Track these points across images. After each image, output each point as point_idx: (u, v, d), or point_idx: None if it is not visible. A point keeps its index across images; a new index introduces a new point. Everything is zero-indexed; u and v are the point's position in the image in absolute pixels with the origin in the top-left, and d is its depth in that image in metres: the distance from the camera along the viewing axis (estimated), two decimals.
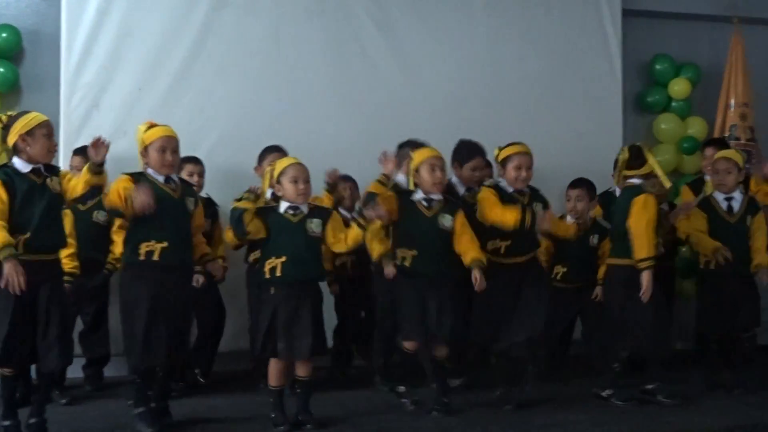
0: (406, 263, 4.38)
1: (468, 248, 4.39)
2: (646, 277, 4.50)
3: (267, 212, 4.19)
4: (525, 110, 6.27)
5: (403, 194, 4.51)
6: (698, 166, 6.72)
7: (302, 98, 5.90)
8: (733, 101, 6.67)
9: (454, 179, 5.10)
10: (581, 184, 5.26)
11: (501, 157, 4.68)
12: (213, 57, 5.74)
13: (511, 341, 4.49)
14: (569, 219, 5.20)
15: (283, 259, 4.08)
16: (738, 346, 5.04)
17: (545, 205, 4.72)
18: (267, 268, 4.10)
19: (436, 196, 4.48)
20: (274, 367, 4.19)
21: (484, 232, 4.55)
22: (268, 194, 4.45)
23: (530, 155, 4.69)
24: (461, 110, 6.17)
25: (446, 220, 4.44)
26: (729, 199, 5.05)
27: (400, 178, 4.67)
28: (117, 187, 3.97)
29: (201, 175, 5.08)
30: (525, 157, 4.65)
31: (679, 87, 6.77)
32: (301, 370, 4.22)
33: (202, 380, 5.10)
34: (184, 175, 4.83)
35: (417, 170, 4.48)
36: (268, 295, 4.12)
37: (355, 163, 5.64)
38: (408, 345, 4.40)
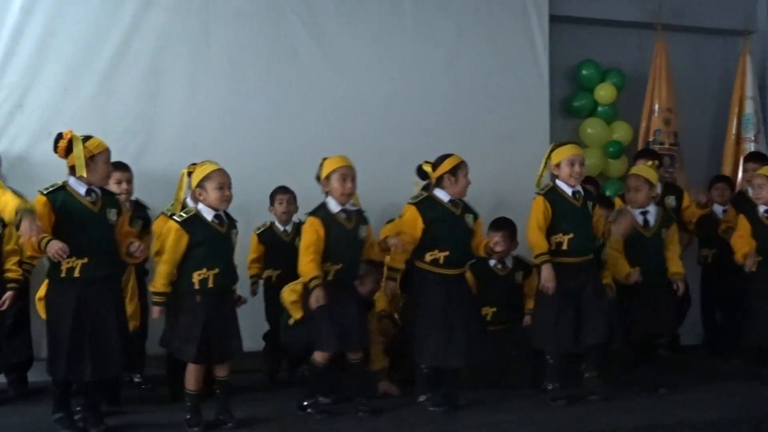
0: (330, 277, 4.66)
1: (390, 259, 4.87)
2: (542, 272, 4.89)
3: (194, 225, 4.35)
4: (454, 113, 6.54)
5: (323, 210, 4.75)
6: (622, 170, 7.14)
7: (232, 100, 6.09)
8: (657, 106, 7.08)
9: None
10: (504, 226, 5.50)
11: (440, 172, 4.93)
12: (140, 57, 5.87)
13: (444, 359, 4.77)
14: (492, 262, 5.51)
15: (216, 270, 4.33)
16: (656, 350, 5.38)
17: (475, 217, 5.02)
18: (197, 279, 4.30)
19: (351, 207, 4.75)
20: (193, 371, 4.39)
21: (423, 244, 4.84)
22: (188, 201, 4.59)
23: (465, 164, 5.00)
24: (391, 113, 6.44)
25: (363, 231, 4.78)
26: (644, 213, 5.33)
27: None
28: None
29: (129, 181, 5.21)
30: (465, 168, 4.96)
31: (604, 92, 7.07)
32: (221, 372, 4.48)
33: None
34: (112, 182, 4.92)
35: (328, 179, 4.71)
36: (193, 302, 4.32)
37: (286, 168, 5.92)
38: (320, 357, 4.64)
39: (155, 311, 4.40)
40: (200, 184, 4.38)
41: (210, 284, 4.30)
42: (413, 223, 4.83)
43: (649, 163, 5.72)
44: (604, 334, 4.94)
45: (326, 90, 6.30)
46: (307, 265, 4.57)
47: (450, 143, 6.11)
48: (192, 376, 4.39)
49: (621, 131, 7.18)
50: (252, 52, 6.16)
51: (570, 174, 4.96)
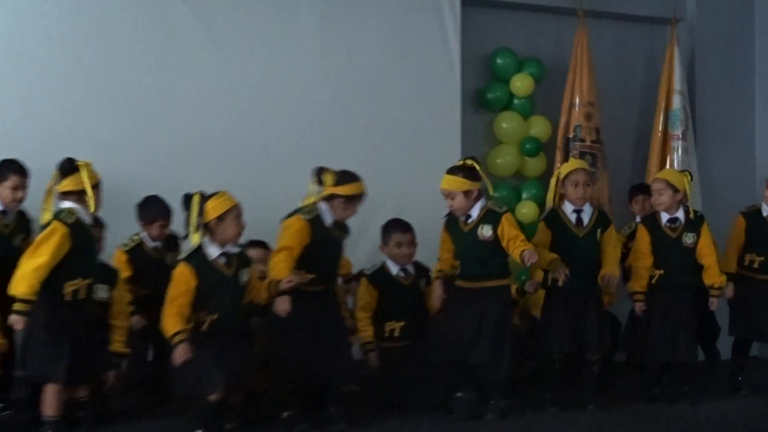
0: (204, 328, 5.15)
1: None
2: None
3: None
4: (355, 108, 6.88)
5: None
6: (540, 169, 7.66)
7: (104, 86, 6.34)
8: (578, 100, 7.52)
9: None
10: (409, 228, 6.01)
11: (340, 191, 5.39)
12: (1, 36, 6.13)
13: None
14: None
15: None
16: (586, 368, 5.83)
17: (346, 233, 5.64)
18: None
19: (233, 249, 5.16)
20: (53, 392, 4.88)
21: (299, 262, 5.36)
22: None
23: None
24: (285, 107, 6.72)
25: (245, 275, 5.20)
26: (578, 212, 5.78)
27: None
28: None
29: (25, 188, 5.40)
30: (363, 200, 5.49)
31: (521, 83, 7.45)
32: (83, 392, 5.10)
33: None
34: (7, 187, 5.28)
35: (221, 219, 5.06)
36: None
37: (162, 164, 6.29)
38: (213, 397, 4.97)
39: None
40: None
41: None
42: (300, 238, 5.21)
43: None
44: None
45: (209, 80, 6.59)
46: (170, 319, 4.89)
47: (349, 139, 6.87)
48: (52, 400, 4.92)
49: (539, 126, 7.59)
50: (127, 33, 6.40)
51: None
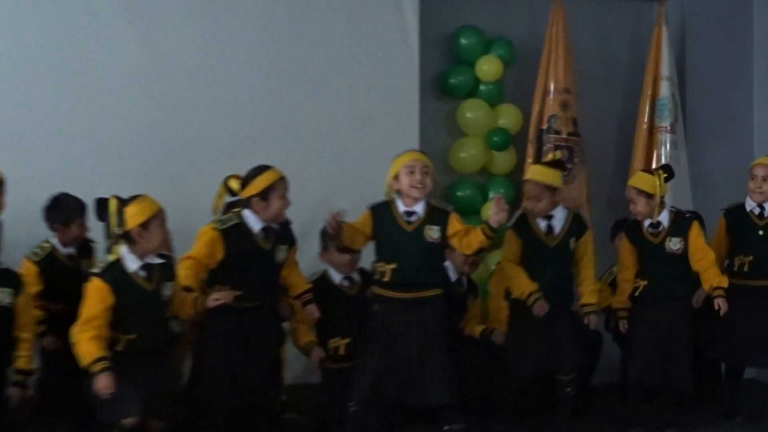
0: (120, 347, 5.08)
1: None
2: None
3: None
4: (298, 95, 6.84)
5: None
6: (510, 165, 7.59)
7: (11, 72, 6.31)
8: (552, 86, 7.44)
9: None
10: None
11: (249, 192, 5.42)
12: None
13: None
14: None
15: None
16: (559, 390, 5.85)
17: (290, 245, 5.63)
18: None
19: (155, 260, 5.09)
20: None
21: (217, 279, 5.42)
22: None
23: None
24: (218, 94, 6.70)
25: (168, 289, 5.13)
26: (549, 218, 5.82)
27: None
28: None
29: None
30: (282, 188, 5.45)
31: (488, 67, 7.39)
32: None
33: None
34: None
35: (146, 227, 5.01)
36: None
37: (77, 161, 6.24)
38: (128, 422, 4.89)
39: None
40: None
41: None
42: (208, 250, 5.25)
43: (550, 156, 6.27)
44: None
45: (130, 59, 6.55)
46: (87, 344, 4.78)
47: (290, 130, 6.85)
48: None
49: (508, 116, 7.53)
50: (37, 13, 6.35)
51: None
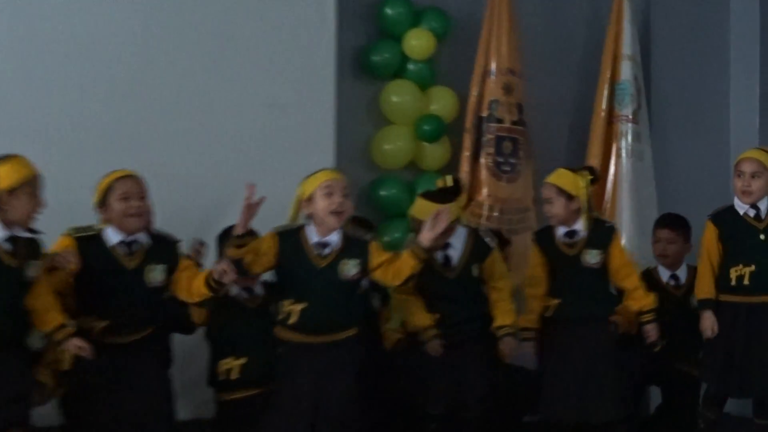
0: None
1: None
2: None
3: None
4: (192, 75, 6.64)
5: None
6: (443, 159, 7.50)
7: None
8: (494, 66, 7.43)
9: None
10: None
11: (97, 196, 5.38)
12: None
13: None
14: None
15: None
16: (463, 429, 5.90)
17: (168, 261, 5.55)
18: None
19: (23, 233, 5.03)
20: None
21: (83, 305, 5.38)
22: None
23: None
24: (90, 73, 6.50)
25: (32, 270, 5.06)
26: (446, 247, 5.82)
27: None
28: None
29: None
30: (126, 187, 5.39)
31: (418, 42, 7.33)
32: None
33: None
34: None
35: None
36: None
37: None
38: None
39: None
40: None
41: None
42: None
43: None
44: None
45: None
46: None
47: (185, 115, 6.70)
48: None
49: (441, 101, 7.47)
50: None
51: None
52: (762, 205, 6.12)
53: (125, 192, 5.24)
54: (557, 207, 6.01)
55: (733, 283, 6.10)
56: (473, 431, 5.93)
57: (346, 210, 5.38)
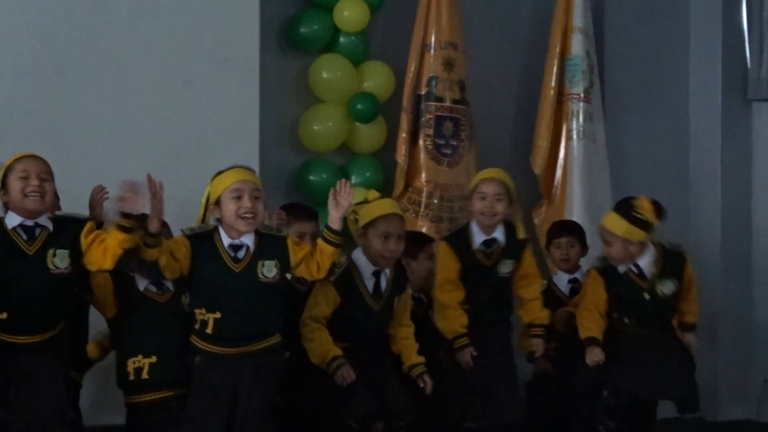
0: None
1: None
2: None
3: None
4: (96, 48, 6.62)
5: None
6: (378, 140, 7.47)
7: None
8: (433, 40, 7.42)
9: None
10: None
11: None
12: None
13: None
14: None
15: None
16: None
17: None
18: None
19: None
20: None
21: None
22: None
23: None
24: (7, 57, 6.47)
25: None
26: (377, 274, 5.82)
27: None
28: None
29: None
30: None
31: (350, 13, 7.27)
32: None
33: None
34: None
35: None
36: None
37: None
38: None
39: None
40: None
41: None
42: None
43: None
44: None
45: None
46: None
47: (90, 93, 6.66)
48: None
49: (376, 77, 7.46)
50: None
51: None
52: (642, 263, 6.31)
53: (24, 170, 5.12)
54: (500, 206, 6.14)
55: (619, 323, 6.43)
56: None
57: (257, 214, 5.33)
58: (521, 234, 6.24)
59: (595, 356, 6.20)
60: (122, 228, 5.05)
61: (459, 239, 6.27)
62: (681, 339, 6.46)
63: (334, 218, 5.29)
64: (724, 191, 8.33)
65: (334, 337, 5.72)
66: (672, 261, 6.32)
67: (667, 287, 6.27)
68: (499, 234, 6.19)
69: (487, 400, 6.24)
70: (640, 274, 6.26)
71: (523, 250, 6.32)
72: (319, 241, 5.39)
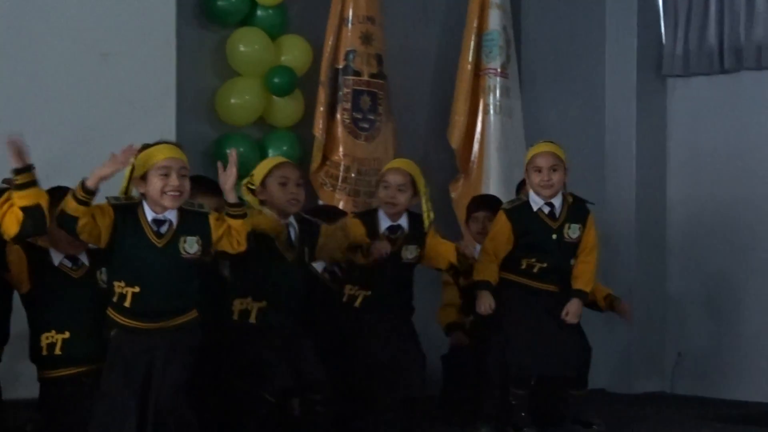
0: None
1: None
2: None
3: None
4: (24, 23, 6.66)
5: None
6: (295, 114, 7.56)
7: None
8: (351, 14, 7.55)
9: None
10: None
11: None
12: None
13: None
14: None
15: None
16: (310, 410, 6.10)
17: None
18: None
19: None
20: None
21: None
22: None
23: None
24: None
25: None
26: (289, 226, 6.00)
27: None
28: None
29: None
30: None
31: None
32: None
33: None
34: None
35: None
36: None
37: None
38: None
39: None
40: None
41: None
42: None
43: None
44: None
45: None
46: None
47: (13, 69, 6.64)
48: None
49: (293, 51, 7.56)
50: None
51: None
52: (556, 202, 6.60)
53: None
54: (403, 197, 6.42)
55: (523, 267, 6.68)
56: (318, 418, 6.10)
57: (184, 192, 5.39)
58: (426, 222, 6.44)
59: (485, 304, 6.50)
60: (18, 186, 5.09)
61: (369, 220, 6.46)
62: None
63: (227, 192, 5.43)
64: (638, 166, 8.51)
65: (251, 296, 5.93)
66: (579, 209, 6.60)
67: (573, 231, 6.54)
68: (403, 221, 6.43)
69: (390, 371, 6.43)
70: (551, 214, 6.53)
71: (425, 235, 6.50)
72: (228, 219, 5.49)
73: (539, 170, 6.47)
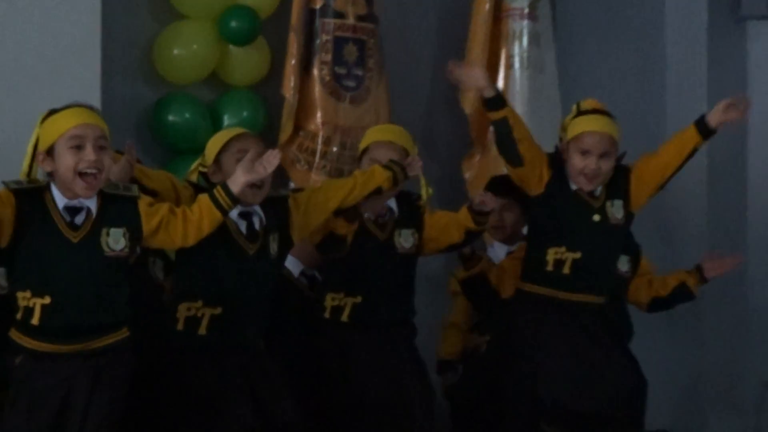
0: None
1: None
2: None
3: None
4: None
5: None
6: (258, 70, 7.61)
7: None
8: None
9: None
10: None
11: None
12: None
13: None
14: None
15: None
16: None
17: None
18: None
19: None
20: None
21: None
22: None
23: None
24: None
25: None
26: (247, 215, 5.94)
27: None
28: None
29: None
30: None
31: None
32: None
33: None
34: None
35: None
36: None
37: None
38: None
39: None
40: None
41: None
42: None
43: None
44: None
45: None
46: None
47: None
48: None
49: None
50: None
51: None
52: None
53: None
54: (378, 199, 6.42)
55: (549, 268, 6.62)
56: None
57: (103, 169, 5.29)
58: (424, 196, 6.50)
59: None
60: None
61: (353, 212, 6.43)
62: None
63: (238, 180, 5.40)
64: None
65: (205, 301, 5.87)
66: (619, 177, 6.54)
67: (617, 209, 6.50)
68: (391, 202, 6.46)
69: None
70: (591, 192, 6.48)
71: (421, 215, 6.54)
72: (203, 198, 5.47)
73: (586, 153, 6.40)
